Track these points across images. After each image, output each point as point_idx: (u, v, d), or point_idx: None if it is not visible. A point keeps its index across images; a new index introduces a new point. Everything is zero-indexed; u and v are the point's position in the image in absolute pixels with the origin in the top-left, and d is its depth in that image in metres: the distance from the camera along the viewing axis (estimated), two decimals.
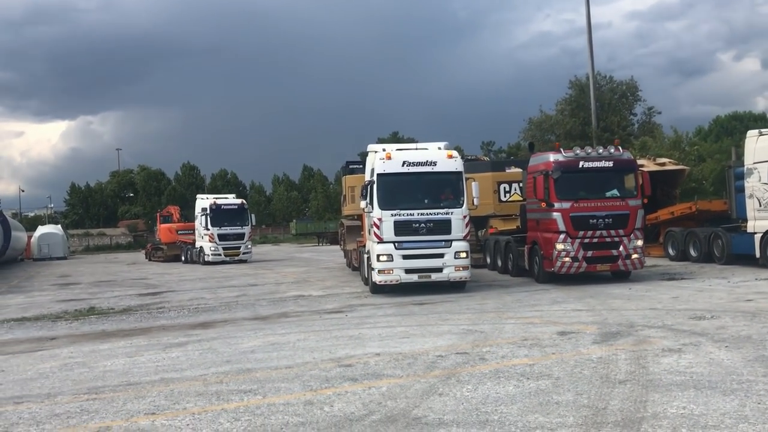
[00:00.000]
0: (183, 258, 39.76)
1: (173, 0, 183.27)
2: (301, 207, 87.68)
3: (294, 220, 70.22)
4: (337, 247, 57.01)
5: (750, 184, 19.63)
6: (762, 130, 20.50)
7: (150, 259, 45.01)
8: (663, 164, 26.89)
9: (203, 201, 37.55)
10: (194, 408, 7.21)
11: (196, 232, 37.37)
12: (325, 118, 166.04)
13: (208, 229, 35.58)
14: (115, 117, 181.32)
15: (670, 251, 23.78)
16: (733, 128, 48.91)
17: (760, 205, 19.28)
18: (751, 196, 19.64)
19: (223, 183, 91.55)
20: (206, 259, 35.64)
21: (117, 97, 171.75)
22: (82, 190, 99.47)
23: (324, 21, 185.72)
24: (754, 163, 19.51)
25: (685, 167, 27.74)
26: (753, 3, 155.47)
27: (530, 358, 8.77)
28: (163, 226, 44.07)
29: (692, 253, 22.67)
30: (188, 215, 44.65)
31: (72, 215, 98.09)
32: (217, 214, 35.91)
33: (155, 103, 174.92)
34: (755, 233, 19.48)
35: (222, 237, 35.67)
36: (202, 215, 36.29)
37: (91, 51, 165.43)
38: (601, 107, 47.33)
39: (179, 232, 41.69)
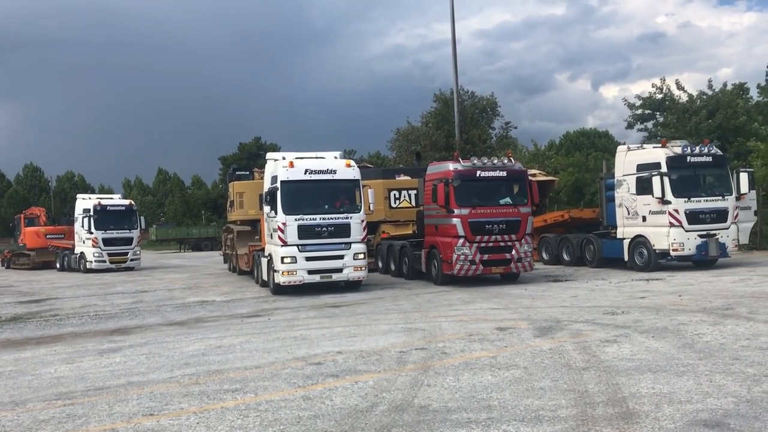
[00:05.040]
0: (58, 265, 36.16)
1: None
2: (156, 212, 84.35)
3: (154, 226, 67.31)
4: (204, 253, 56.15)
5: (620, 194, 21.70)
6: (630, 145, 22.76)
7: (8, 267, 40.82)
8: (534, 175, 28.89)
9: (85, 201, 34.24)
10: (192, 408, 7.17)
11: (77, 236, 33.86)
12: (180, 121, 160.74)
13: (91, 233, 32.44)
14: None
15: (545, 256, 25.64)
16: (581, 143, 53.13)
17: (629, 214, 21.37)
18: (620, 205, 21.70)
19: (70, 186, 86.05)
20: (89, 267, 32.60)
21: None
22: None
23: (178, 20, 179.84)
24: (624, 175, 21.58)
25: (555, 178, 29.97)
26: (585, 29, 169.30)
27: (488, 351, 9.42)
28: (28, 229, 39.65)
29: (565, 257, 24.61)
30: (54, 217, 41.56)
31: None
32: (102, 216, 32.73)
33: None
34: (624, 239, 21.55)
35: (107, 242, 32.72)
36: (84, 217, 32.87)
37: None
38: (463, 121, 49.78)
39: (49, 237, 37.93)
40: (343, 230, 18.47)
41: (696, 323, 11.00)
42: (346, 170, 18.98)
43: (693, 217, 19.87)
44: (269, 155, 21.28)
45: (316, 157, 19.55)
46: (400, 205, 25.23)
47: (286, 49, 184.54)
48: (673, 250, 19.88)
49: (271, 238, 18.98)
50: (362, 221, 18.79)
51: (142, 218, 35.74)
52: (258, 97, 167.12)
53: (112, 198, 36.66)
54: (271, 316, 14.55)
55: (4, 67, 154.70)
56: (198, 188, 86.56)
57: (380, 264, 24.31)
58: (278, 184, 18.28)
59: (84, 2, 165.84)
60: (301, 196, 18.43)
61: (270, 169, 19.72)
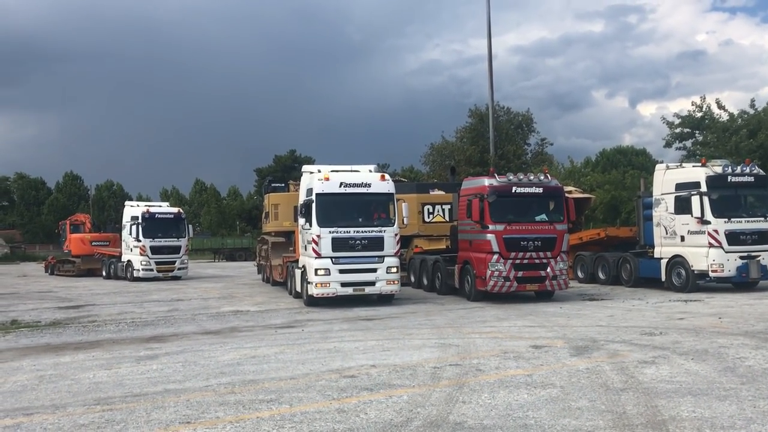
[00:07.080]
0: (104, 273, 36.01)
1: (55, 2, 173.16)
2: (192, 222, 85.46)
3: None
4: (239, 263, 56.65)
5: (658, 213, 21.40)
6: (669, 164, 22.45)
7: (53, 273, 40.84)
8: (570, 192, 28.65)
9: (134, 209, 33.85)
10: (228, 417, 7.22)
11: (124, 243, 33.47)
12: (217, 133, 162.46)
13: (139, 241, 31.88)
14: None
15: (580, 274, 25.34)
16: (618, 161, 52.57)
17: (666, 233, 21.05)
18: (658, 224, 21.39)
19: (109, 194, 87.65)
20: (136, 275, 32.05)
21: None
22: None
23: (217, 34, 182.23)
24: (662, 194, 21.29)
25: (591, 196, 29.68)
26: (623, 46, 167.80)
27: (524, 369, 9.34)
28: (74, 236, 39.50)
29: (601, 275, 24.28)
30: (98, 224, 42.11)
31: None
32: (150, 224, 32.12)
33: (32, 109, 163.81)
34: (661, 258, 21.22)
35: (155, 250, 32.09)
36: (132, 224, 32.32)
37: None
38: (498, 136, 49.64)
39: (94, 243, 37.86)
40: (377, 243, 18.51)
41: (737, 346, 10.77)
42: (380, 184, 19.06)
43: (733, 237, 19.50)
44: (305, 168, 21.45)
45: (351, 171, 19.63)
46: (433, 220, 25.23)
47: (322, 63, 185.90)
48: (713, 271, 19.51)
49: (306, 249, 19.11)
50: (396, 235, 18.85)
51: (190, 226, 35.06)
52: (294, 111, 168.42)
53: (160, 206, 36.32)
54: (305, 327, 14.62)
55: (50, 78, 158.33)
56: (234, 199, 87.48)
57: (412, 278, 24.28)
58: (313, 197, 18.43)
59: (127, 17, 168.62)
60: (335, 208, 18.54)
61: (305, 181, 19.87)
